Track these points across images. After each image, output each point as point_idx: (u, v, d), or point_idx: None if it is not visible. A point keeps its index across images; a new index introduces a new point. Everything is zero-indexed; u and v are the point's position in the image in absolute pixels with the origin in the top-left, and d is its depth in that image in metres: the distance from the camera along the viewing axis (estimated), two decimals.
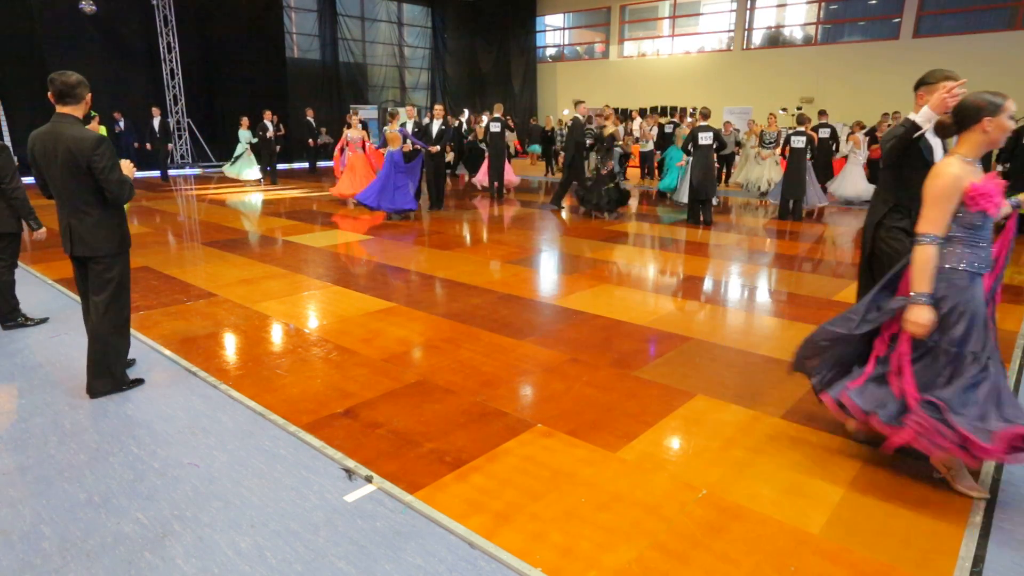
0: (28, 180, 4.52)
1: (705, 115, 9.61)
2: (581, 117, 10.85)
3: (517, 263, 7.18)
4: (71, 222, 3.46)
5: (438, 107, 10.54)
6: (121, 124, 15.47)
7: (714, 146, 9.51)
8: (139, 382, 3.85)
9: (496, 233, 9.28)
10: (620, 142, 10.84)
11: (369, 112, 20.01)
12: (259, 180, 15.24)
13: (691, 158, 9.74)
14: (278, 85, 18.74)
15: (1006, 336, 4.83)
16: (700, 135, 9.42)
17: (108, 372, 3.67)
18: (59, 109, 3.39)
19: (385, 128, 9.98)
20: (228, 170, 15.40)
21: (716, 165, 10.68)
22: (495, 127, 12.27)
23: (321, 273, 6.72)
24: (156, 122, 14.81)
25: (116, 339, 3.68)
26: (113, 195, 3.43)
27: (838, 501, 2.73)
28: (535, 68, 24.59)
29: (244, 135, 14.92)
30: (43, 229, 4.75)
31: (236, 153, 15.25)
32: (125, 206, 3.70)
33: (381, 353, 4.40)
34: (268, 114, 14.61)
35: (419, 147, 10.01)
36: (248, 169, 15.16)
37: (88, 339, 3.65)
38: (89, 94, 3.45)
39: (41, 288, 5.91)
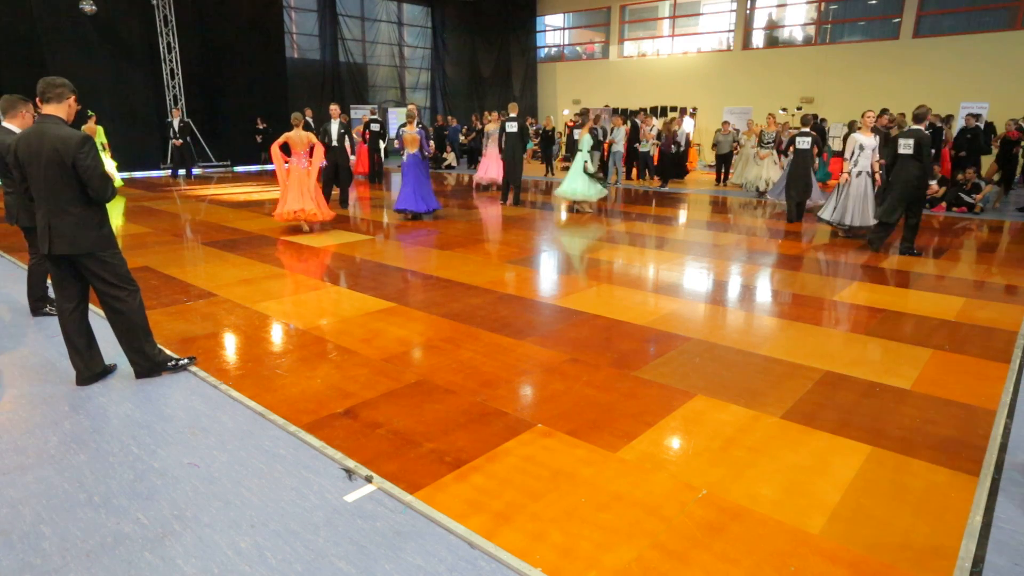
0: None
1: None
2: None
3: (517, 263, 7.18)
4: (51, 221, 3.51)
5: (333, 106, 10.31)
6: (176, 123, 15.69)
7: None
8: (190, 360, 4.11)
9: (496, 233, 9.28)
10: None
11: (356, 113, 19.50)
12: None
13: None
14: (278, 85, 18.74)
15: (1006, 336, 4.83)
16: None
17: (141, 354, 3.86)
18: (44, 110, 3.53)
19: (403, 129, 9.95)
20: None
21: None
22: (511, 127, 11.57)
23: (321, 273, 6.73)
24: (176, 122, 15.52)
25: (131, 327, 3.77)
26: (96, 192, 3.52)
27: (838, 501, 2.73)
28: (535, 68, 24.59)
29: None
30: None
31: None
32: (107, 204, 3.74)
33: (381, 353, 4.40)
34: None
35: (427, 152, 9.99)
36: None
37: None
38: (72, 96, 3.58)
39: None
